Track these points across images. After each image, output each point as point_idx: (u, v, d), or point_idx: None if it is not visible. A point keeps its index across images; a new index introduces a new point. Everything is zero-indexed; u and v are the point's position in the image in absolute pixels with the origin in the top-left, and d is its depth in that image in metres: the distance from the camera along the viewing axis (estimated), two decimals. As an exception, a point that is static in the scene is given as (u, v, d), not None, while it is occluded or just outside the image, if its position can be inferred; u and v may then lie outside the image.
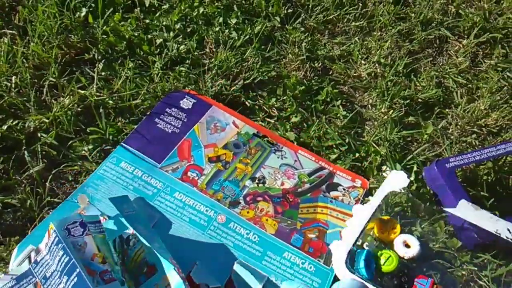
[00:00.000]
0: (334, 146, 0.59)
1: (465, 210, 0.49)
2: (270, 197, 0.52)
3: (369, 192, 0.58)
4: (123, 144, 0.55)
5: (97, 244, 0.38)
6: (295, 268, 0.47)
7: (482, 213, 0.48)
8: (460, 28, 0.72)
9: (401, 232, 0.51)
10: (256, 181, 0.53)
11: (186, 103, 0.59)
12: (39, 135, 0.57)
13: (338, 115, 0.63)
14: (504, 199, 0.54)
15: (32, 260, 0.38)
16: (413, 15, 0.73)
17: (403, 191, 0.52)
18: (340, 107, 0.64)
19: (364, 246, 0.52)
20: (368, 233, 0.52)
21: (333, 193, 0.54)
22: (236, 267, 0.46)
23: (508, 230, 0.47)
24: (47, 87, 0.62)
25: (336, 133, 0.60)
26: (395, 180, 0.53)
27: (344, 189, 0.54)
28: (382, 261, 0.49)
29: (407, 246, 0.51)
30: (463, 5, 0.74)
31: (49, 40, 0.65)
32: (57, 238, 0.36)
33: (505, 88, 0.63)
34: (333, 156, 0.59)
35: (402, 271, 0.49)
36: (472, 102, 0.64)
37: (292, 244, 0.49)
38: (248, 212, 0.51)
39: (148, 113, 0.58)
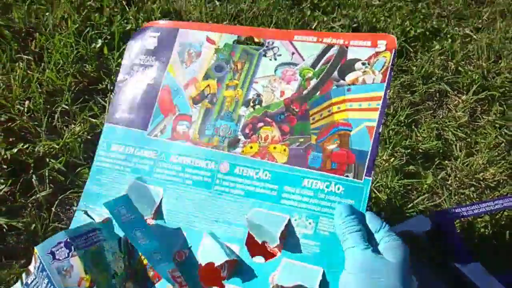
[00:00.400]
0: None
1: (475, 273, 0.51)
2: (272, 117, 0.41)
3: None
4: (108, 124, 0.54)
5: (84, 265, 0.35)
6: (319, 196, 0.38)
7: (491, 280, 0.50)
8: (460, 84, 0.74)
9: None
10: (251, 104, 0.42)
11: (150, 41, 0.49)
12: (47, 160, 0.61)
13: None
14: (500, 252, 0.57)
15: (24, 282, 0.38)
16: (414, 68, 0.76)
17: (422, 235, 0.54)
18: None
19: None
20: None
21: (349, 77, 0.40)
22: (250, 220, 0.42)
23: None
24: (59, 114, 0.66)
25: None
26: (417, 223, 0.54)
27: (363, 64, 0.39)
28: None
29: None
30: (462, 62, 0.78)
31: (64, 68, 0.71)
32: (41, 265, 0.37)
33: (503, 144, 0.67)
34: None
35: None
36: (471, 156, 0.67)
37: (310, 167, 0.39)
38: (251, 147, 0.41)
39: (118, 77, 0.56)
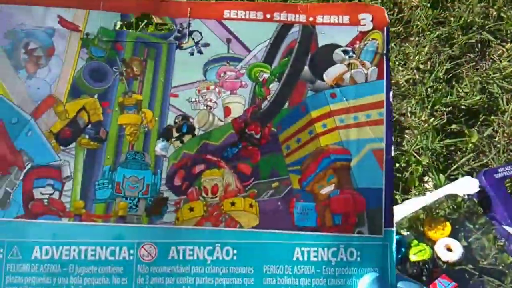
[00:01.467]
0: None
1: None
2: (218, 153, 0.22)
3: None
4: None
5: None
6: (325, 272, 0.21)
7: None
8: (503, 31, 0.69)
9: (450, 235, 0.50)
10: (174, 134, 0.22)
11: None
12: None
13: None
14: None
15: None
16: (452, 19, 0.70)
17: (466, 197, 0.51)
18: (378, 115, 0.62)
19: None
20: (412, 222, 0.50)
21: (329, 75, 0.23)
22: None
23: None
24: None
25: None
26: (464, 185, 0.52)
27: (345, 52, 0.23)
28: (413, 251, 0.48)
29: (449, 250, 0.49)
30: (505, 7, 0.71)
31: None
32: None
33: None
34: None
35: (427, 264, 0.48)
36: None
37: (299, 227, 0.21)
38: (191, 209, 0.21)
39: None
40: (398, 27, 0.73)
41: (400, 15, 0.74)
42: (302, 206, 0.27)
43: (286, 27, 0.28)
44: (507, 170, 0.53)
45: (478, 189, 0.52)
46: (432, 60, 0.66)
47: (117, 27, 0.28)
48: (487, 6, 0.70)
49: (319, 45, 0.28)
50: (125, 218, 0.26)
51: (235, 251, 0.26)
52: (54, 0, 0.28)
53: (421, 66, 0.66)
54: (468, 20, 0.69)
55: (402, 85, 0.67)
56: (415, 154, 0.59)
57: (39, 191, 0.27)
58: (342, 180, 0.27)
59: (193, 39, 0.28)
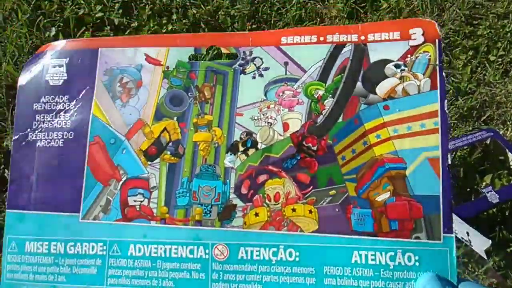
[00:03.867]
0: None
1: None
2: (278, 165, 0.24)
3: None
4: (11, 211, 0.33)
5: None
6: (384, 275, 0.22)
7: None
8: None
9: None
10: (240, 148, 0.25)
11: (56, 72, 0.29)
12: None
13: None
14: (456, 188, 0.58)
15: None
16: None
17: None
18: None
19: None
20: None
21: (382, 89, 0.24)
22: None
23: (467, 234, 0.48)
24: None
25: None
26: None
27: (397, 66, 0.24)
28: None
29: None
30: (409, 18, 0.76)
31: (20, 59, 0.69)
32: None
33: (451, 91, 0.67)
34: None
35: None
36: None
37: (357, 232, 0.22)
38: (257, 214, 0.24)
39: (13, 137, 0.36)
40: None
41: (322, 24, 0.77)
42: (359, 212, 0.28)
43: (339, 47, 0.30)
44: None
45: None
46: None
47: (191, 59, 0.33)
48: (394, 16, 0.75)
49: (371, 61, 0.30)
50: (201, 222, 0.30)
51: (297, 253, 0.28)
52: (142, 42, 0.34)
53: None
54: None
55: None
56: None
57: (133, 199, 0.31)
58: (397, 188, 0.28)
59: (254, 64, 0.32)
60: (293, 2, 0.78)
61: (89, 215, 0.32)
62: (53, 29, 0.73)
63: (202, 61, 0.32)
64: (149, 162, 0.32)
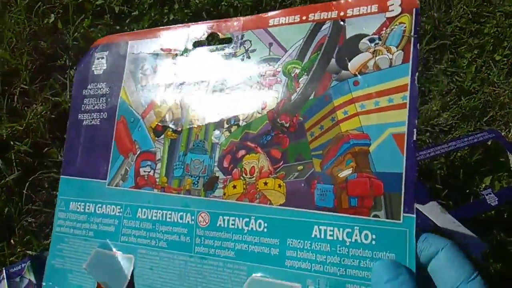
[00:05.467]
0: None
1: (432, 211, 0.51)
2: (255, 141, 0.27)
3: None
4: (63, 177, 0.41)
5: None
6: (340, 251, 0.23)
7: (446, 217, 0.50)
8: None
9: None
10: (225, 125, 0.28)
11: (98, 64, 0.36)
12: (12, 143, 0.59)
13: None
14: (455, 189, 0.59)
15: None
16: None
17: None
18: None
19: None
20: None
21: (353, 64, 0.25)
22: None
23: (464, 237, 0.48)
24: (18, 94, 0.63)
25: None
26: None
27: (372, 40, 0.24)
28: None
29: None
30: None
31: (17, 46, 0.67)
32: None
33: (454, 90, 0.68)
34: None
35: None
36: (426, 104, 0.67)
37: (319, 207, 0.23)
38: (234, 187, 0.27)
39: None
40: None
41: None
42: (321, 187, 0.28)
43: (318, 25, 0.30)
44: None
45: None
46: None
47: (194, 46, 0.36)
48: None
49: (347, 37, 0.29)
50: (190, 191, 0.34)
51: (265, 224, 0.30)
52: (158, 32, 0.38)
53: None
54: None
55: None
56: None
57: (143, 170, 0.36)
58: (360, 164, 0.27)
59: (244, 47, 0.33)
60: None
61: (113, 182, 0.38)
62: (52, 15, 0.71)
63: (203, 48, 0.36)
64: (156, 138, 0.36)
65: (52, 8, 0.71)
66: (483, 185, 0.60)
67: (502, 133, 0.65)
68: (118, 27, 0.72)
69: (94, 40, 0.58)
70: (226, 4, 0.76)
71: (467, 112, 0.66)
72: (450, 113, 0.66)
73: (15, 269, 0.43)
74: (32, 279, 0.44)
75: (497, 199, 0.54)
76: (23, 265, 0.43)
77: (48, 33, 0.68)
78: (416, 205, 0.48)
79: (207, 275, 0.31)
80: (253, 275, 0.29)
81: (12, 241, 0.52)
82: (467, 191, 0.59)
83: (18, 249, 0.52)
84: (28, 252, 0.51)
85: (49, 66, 0.67)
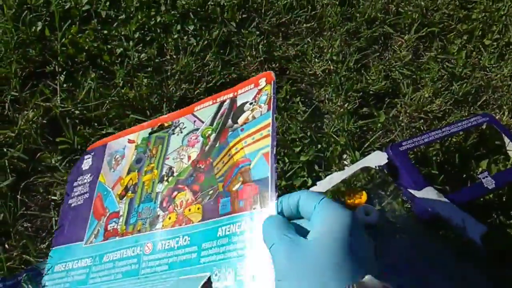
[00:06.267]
0: (297, 139, 0.64)
1: (429, 196, 0.53)
2: (184, 183, 0.38)
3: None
4: (52, 249, 0.51)
5: None
6: (233, 240, 0.32)
7: (443, 201, 0.52)
8: (401, 24, 0.78)
9: (366, 202, 0.55)
10: (165, 179, 0.40)
11: (86, 162, 0.49)
12: (5, 149, 0.59)
13: (298, 110, 0.68)
14: (451, 174, 0.60)
15: None
16: (358, 15, 0.79)
17: (378, 168, 0.56)
18: (300, 103, 0.69)
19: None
20: (335, 194, 0.56)
21: (241, 119, 0.38)
22: None
23: (463, 220, 0.50)
24: (9, 102, 0.64)
25: (298, 127, 0.65)
26: (374, 159, 0.57)
27: (251, 103, 0.38)
28: None
29: (367, 214, 0.53)
30: (402, 3, 0.80)
31: (6, 55, 0.68)
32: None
33: (445, 76, 0.70)
34: (297, 149, 0.63)
35: None
36: (418, 91, 0.70)
37: (221, 214, 0.34)
38: (169, 218, 0.37)
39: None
40: (313, 23, 0.79)
41: (313, 12, 0.80)
42: (223, 200, 0.39)
43: (222, 103, 0.46)
44: (409, 143, 0.58)
45: (387, 160, 0.56)
46: (343, 51, 0.71)
47: (149, 135, 0.51)
48: (387, 2, 0.76)
49: (238, 105, 0.44)
50: (140, 231, 0.44)
51: (188, 238, 0.39)
52: (127, 131, 0.54)
53: (334, 58, 0.71)
54: (372, 15, 0.74)
55: (319, 75, 0.72)
56: (333, 135, 0.64)
57: (110, 226, 0.47)
58: (245, 178, 0.38)
59: (179, 128, 0.48)
60: (284, -9, 0.78)
61: (88, 241, 0.48)
62: (40, 23, 0.70)
63: (154, 134, 0.51)
64: (120, 200, 0.48)
65: (39, 16, 0.72)
66: (480, 169, 0.59)
67: (496, 116, 0.64)
68: (105, 31, 0.73)
69: (82, 45, 0.67)
70: (212, 3, 0.78)
71: (459, 97, 0.67)
72: (443, 99, 0.66)
73: (11, 282, 0.45)
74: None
75: (494, 182, 0.54)
76: (19, 278, 0.46)
77: (36, 40, 0.69)
78: (412, 191, 0.53)
79: (149, 286, 0.39)
80: (179, 277, 0.37)
81: (6, 245, 0.51)
82: (464, 175, 0.59)
83: (15, 253, 0.51)
84: (24, 256, 0.51)
85: (38, 72, 0.68)
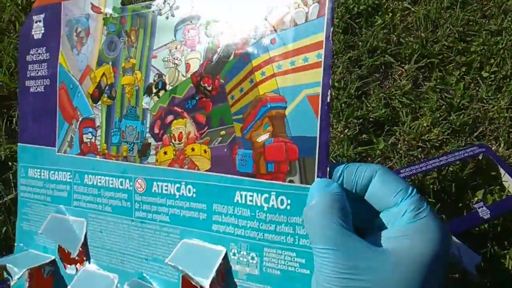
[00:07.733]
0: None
1: None
2: (181, 105, 0.26)
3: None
4: (20, 144, 0.41)
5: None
6: (258, 216, 0.23)
7: None
8: (402, 54, 0.75)
9: None
10: (153, 90, 0.27)
11: (37, 27, 0.35)
12: (10, 164, 0.60)
13: None
14: (447, 203, 0.60)
15: None
16: (360, 43, 0.75)
17: None
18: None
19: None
20: None
21: (272, 18, 0.22)
22: (180, 258, 0.29)
23: (458, 249, 0.49)
24: (17, 117, 0.63)
25: None
26: None
27: None
28: None
29: None
30: (403, 34, 0.77)
31: (17, 70, 0.65)
32: None
33: (443, 106, 0.69)
34: None
35: None
36: (416, 120, 0.69)
37: (240, 172, 0.23)
38: (165, 153, 0.27)
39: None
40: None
41: None
42: (242, 153, 0.27)
43: (237, -24, 0.27)
44: (407, 171, 0.57)
45: None
46: (345, 79, 0.70)
47: (120, 8, 0.34)
48: (388, 32, 0.74)
49: (266, -11, 0.26)
50: (127, 158, 0.33)
51: (194, 190, 0.29)
52: (87, -10, 0.36)
53: (336, 84, 0.70)
54: (374, 45, 0.72)
55: (320, 101, 0.72)
56: (333, 161, 0.63)
57: (85, 137, 0.36)
58: (276, 128, 0.25)
59: (168, 4, 0.31)
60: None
61: (61, 149, 0.37)
62: None
63: (129, 6, 0.33)
64: (94, 104, 0.35)
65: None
66: (476, 199, 0.59)
67: (492, 148, 0.65)
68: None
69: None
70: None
71: (457, 127, 0.67)
72: (441, 129, 0.67)
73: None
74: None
75: (489, 212, 0.53)
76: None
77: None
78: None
79: (147, 238, 0.32)
80: (184, 240, 0.29)
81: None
82: (460, 205, 0.59)
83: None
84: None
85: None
